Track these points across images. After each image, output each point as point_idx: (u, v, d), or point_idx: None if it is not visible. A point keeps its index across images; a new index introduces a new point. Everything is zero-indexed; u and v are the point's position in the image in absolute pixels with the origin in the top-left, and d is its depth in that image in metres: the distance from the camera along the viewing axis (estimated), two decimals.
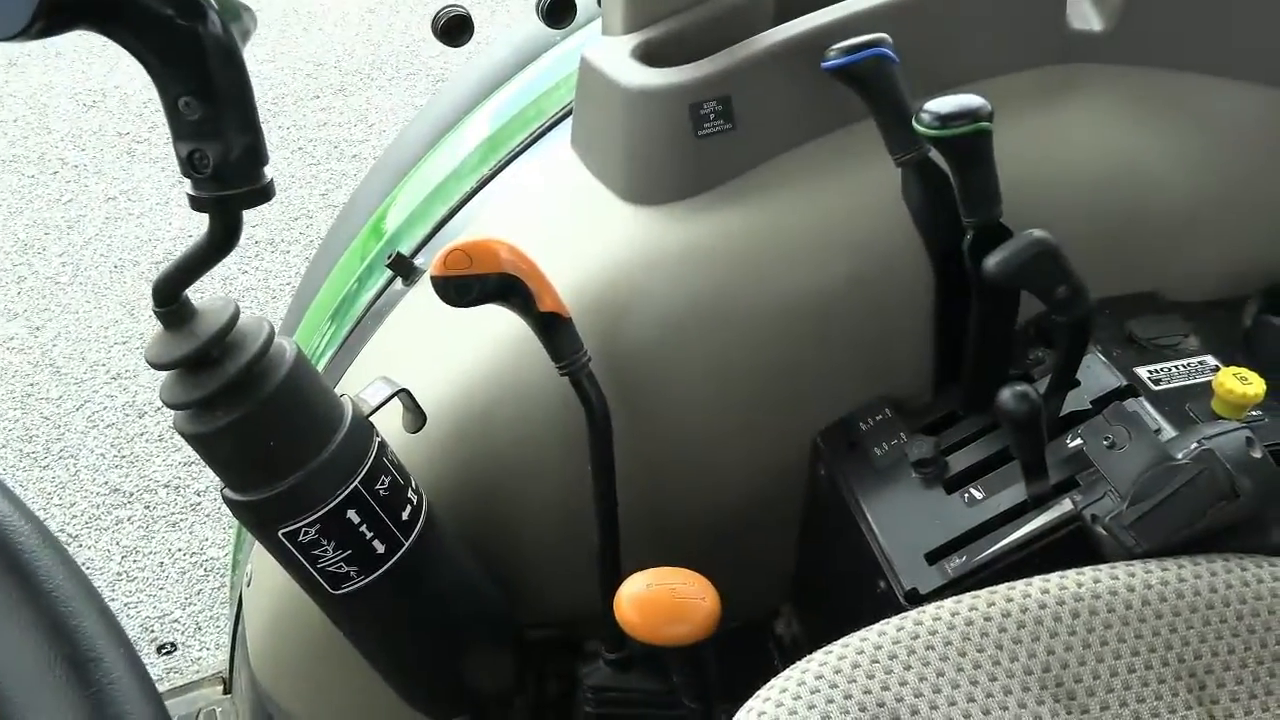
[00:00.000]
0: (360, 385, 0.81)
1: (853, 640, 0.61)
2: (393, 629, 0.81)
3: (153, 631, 1.81)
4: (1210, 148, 0.88)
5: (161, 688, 1.31)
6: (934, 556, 0.76)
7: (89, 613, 0.32)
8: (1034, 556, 0.73)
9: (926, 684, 0.58)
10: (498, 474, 0.87)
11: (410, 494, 0.78)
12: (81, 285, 2.58)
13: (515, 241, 0.76)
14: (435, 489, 0.83)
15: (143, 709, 0.30)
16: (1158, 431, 0.72)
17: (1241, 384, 0.72)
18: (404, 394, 0.83)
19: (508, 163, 1.07)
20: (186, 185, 0.62)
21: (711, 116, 0.84)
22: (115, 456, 2.12)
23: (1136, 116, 0.88)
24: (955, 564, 0.75)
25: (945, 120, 0.73)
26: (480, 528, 0.87)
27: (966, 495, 0.78)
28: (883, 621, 0.62)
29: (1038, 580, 0.63)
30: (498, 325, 0.83)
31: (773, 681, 0.60)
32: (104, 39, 0.57)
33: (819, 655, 0.60)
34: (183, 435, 0.70)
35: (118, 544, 1.96)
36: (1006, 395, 0.70)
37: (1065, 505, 0.73)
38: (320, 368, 1.03)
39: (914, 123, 0.75)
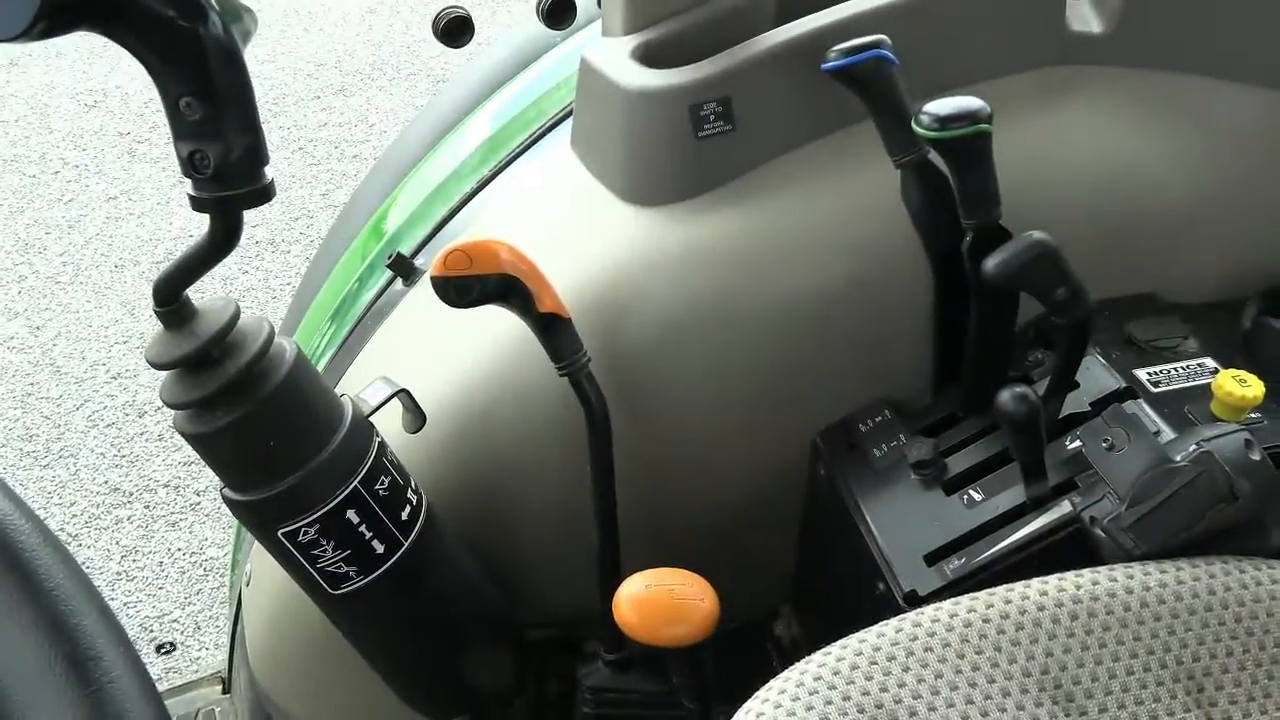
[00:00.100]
0: (360, 385, 0.81)
1: (851, 641, 0.61)
2: (392, 629, 0.81)
3: (152, 631, 1.81)
4: (1209, 150, 0.88)
5: (160, 687, 1.31)
6: (933, 558, 0.76)
7: (89, 611, 0.32)
8: (1033, 558, 0.73)
9: (925, 685, 0.58)
10: (497, 474, 0.87)
11: (410, 494, 0.78)
12: (82, 285, 2.58)
13: (515, 242, 0.76)
14: (435, 489, 0.83)
15: (142, 708, 0.30)
16: (1157, 433, 0.72)
17: (1240, 386, 0.72)
18: (404, 394, 0.83)
19: (508, 163, 1.07)
20: (187, 185, 0.62)
21: (711, 118, 0.84)
22: (115, 456, 2.13)
23: (1136, 118, 0.89)
24: (954, 565, 0.75)
25: (944, 122, 0.73)
26: (480, 528, 0.87)
27: (966, 497, 0.78)
28: (881, 623, 0.62)
29: (1036, 582, 0.63)
30: (497, 326, 0.83)
31: (771, 682, 0.60)
32: (105, 40, 0.58)
33: (817, 656, 0.60)
34: (183, 435, 0.70)
35: (117, 543, 1.96)
36: (1006, 397, 0.70)
37: (1064, 507, 0.73)
38: (320, 368, 1.03)
39: (913, 124, 0.75)
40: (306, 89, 3.37)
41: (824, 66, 0.81)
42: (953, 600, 0.63)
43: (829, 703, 0.58)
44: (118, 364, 2.34)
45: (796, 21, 0.86)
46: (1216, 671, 0.61)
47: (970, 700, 0.58)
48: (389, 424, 0.84)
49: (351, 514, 0.74)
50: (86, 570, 0.35)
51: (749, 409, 0.87)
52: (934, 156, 0.79)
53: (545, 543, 0.90)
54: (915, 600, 0.74)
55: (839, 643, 0.61)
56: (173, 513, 2.01)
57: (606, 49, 0.90)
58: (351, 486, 0.73)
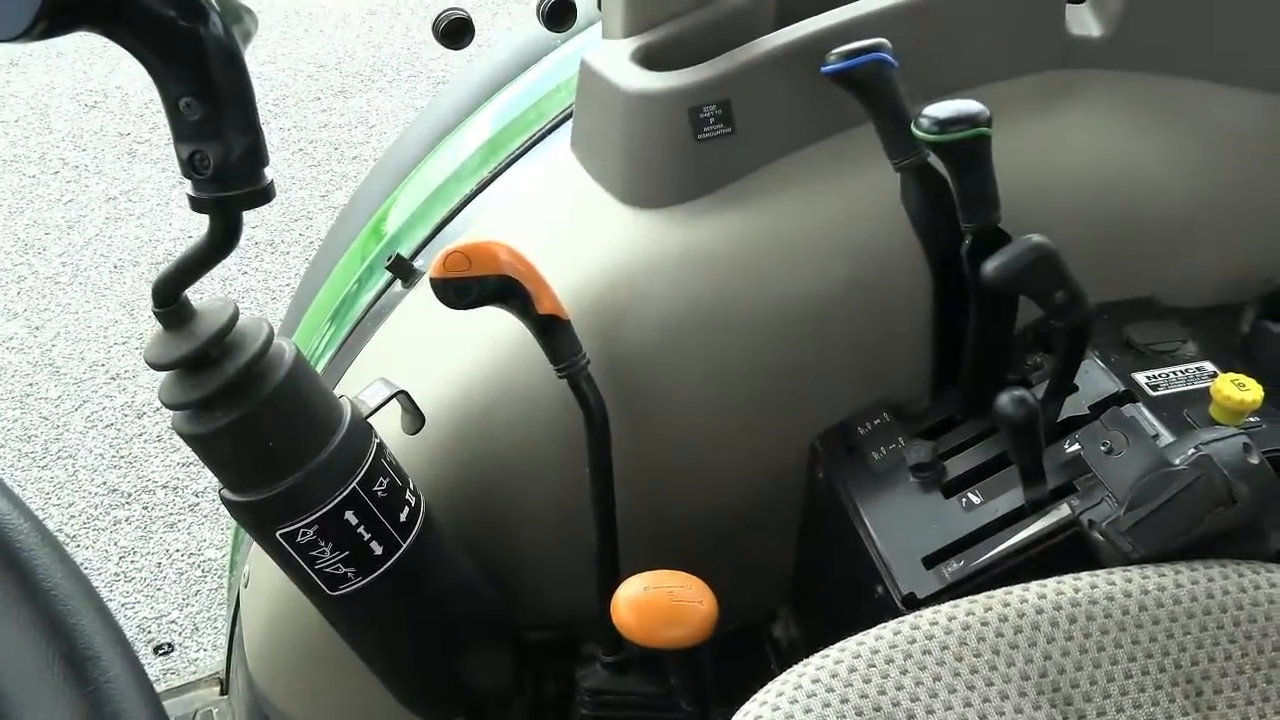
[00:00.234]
0: (359, 387, 0.81)
1: (849, 644, 0.61)
2: (390, 630, 0.81)
3: (150, 632, 1.81)
4: (1208, 154, 0.88)
5: (158, 688, 1.31)
6: (931, 561, 0.76)
7: (86, 611, 0.32)
8: (1031, 561, 0.73)
9: (923, 689, 0.58)
10: (496, 476, 0.87)
11: (408, 495, 0.78)
12: (81, 285, 2.58)
13: (515, 244, 0.76)
14: (433, 490, 0.83)
15: (139, 708, 0.30)
16: (1155, 437, 0.72)
17: (1239, 390, 0.72)
18: (403, 395, 0.83)
19: (508, 165, 1.07)
20: (187, 186, 0.62)
21: (711, 120, 0.84)
22: (114, 457, 2.12)
23: (1135, 122, 0.89)
24: (953, 569, 0.75)
25: (944, 125, 0.73)
26: (478, 529, 0.87)
27: (964, 500, 0.78)
28: (880, 626, 0.62)
29: (1035, 585, 0.63)
30: (496, 327, 0.83)
31: (769, 685, 0.60)
32: (105, 40, 0.58)
33: (815, 659, 0.60)
34: (181, 436, 0.70)
35: (115, 544, 1.96)
36: (1004, 400, 0.70)
37: (1063, 510, 0.73)
38: (319, 369, 1.03)
39: (913, 128, 0.75)
40: (307, 90, 3.37)
41: (824, 69, 0.81)
42: (951, 603, 0.62)
43: (827, 705, 0.57)
44: (117, 365, 2.34)
45: (796, 24, 0.87)
46: (1215, 675, 0.61)
47: (969, 703, 0.58)
48: (388, 425, 0.84)
49: (350, 515, 0.74)
50: (84, 571, 0.35)
51: (748, 411, 0.87)
52: (933, 159, 0.79)
53: (544, 544, 0.90)
54: (914, 603, 0.74)
55: (837, 645, 0.61)
56: (171, 514, 2.01)
57: (606, 51, 0.90)
58: (350, 488, 0.73)
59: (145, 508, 2.02)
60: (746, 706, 0.59)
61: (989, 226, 0.77)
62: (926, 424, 0.87)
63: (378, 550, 0.75)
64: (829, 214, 0.85)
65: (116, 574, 1.91)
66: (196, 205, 0.62)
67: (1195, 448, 0.65)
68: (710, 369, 0.85)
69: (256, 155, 0.62)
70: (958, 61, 0.88)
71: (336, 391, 0.77)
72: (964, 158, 0.75)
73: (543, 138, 1.07)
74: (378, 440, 0.77)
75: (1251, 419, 0.74)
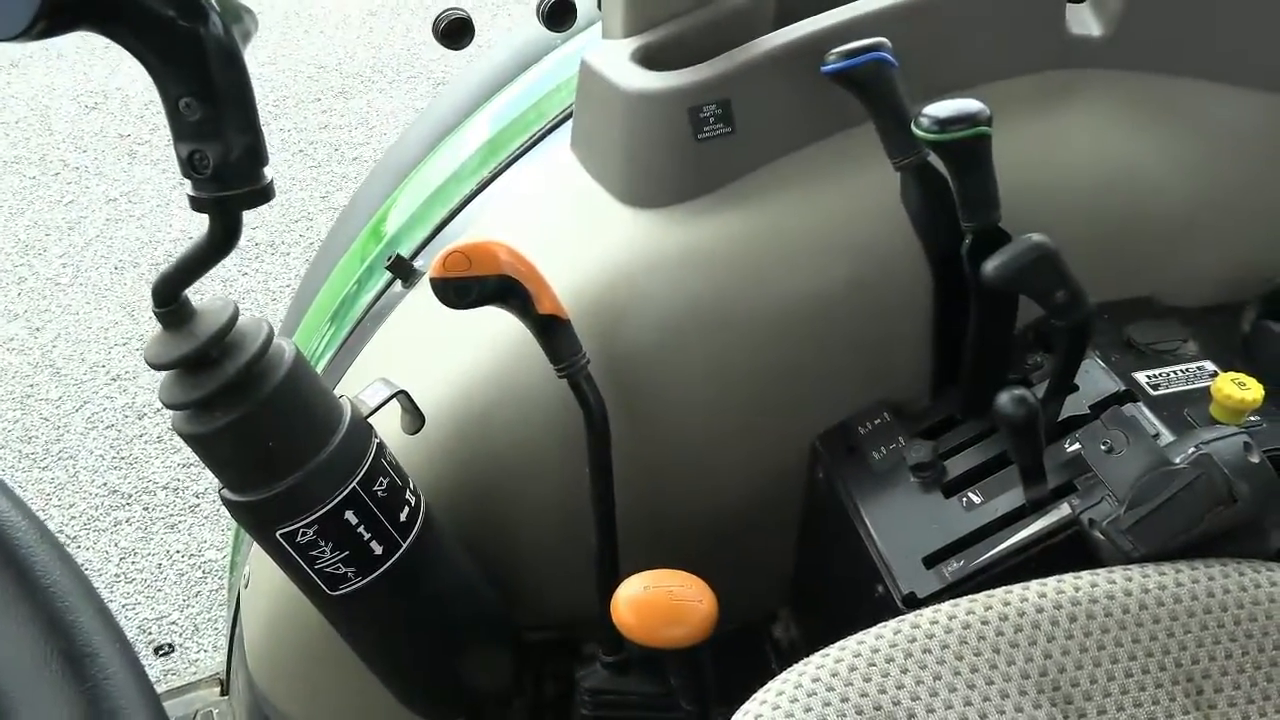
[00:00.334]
0: (359, 387, 0.81)
1: (849, 643, 0.61)
2: (390, 630, 0.81)
3: (150, 633, 1.81)
4: (1208, 153, 0.88)
5: (158, 689, 1.31)
6: (932, 560, 0.76)
7: (85, 608, 0.32)
8: (1032, 561, 0.73)
9: (924, 687, 0.58)
10: (496, 475, 0.87)
11: (408, 495, 0.78)
12: (82, 286, 2.58)
13: (514, 244, 0.76)
14: (433, 490, 0.83)
15: (137, 704, 0.30)
16: (1156, 436, 0.72)
17: (1240, 389, 0.72)
18: (402, 395, 0.83)
19: (508, 165, 1.07)
20: (187, 186, 0.62)
21: (711, 120, 0.84)
22: (114, 458, 2.12)
23: (1135, 121, 0.89)
24: (953, 568, 0.75)
25: (944, 124, 0.73)
26: (478, 529, 0.87)
27: (964, 499, 0.78)
28: (880, 625, 0.62)
29: (1035, 584, 0.63)
30: (496, 327, 0.83)
31: (769, 684, 0.60)
32: (105, 40, 0.58)
33: (815, 658, 0.60)
34: (181, 435, 0.70)
35: (116, 545, 1.96)
36: (1004, 399, 0.70)
37: (1063, 510, 0.73)
38: (319, 369, 1.03)
39: (913, 127, 0.75)
40: (307, 91, 3.37)
41: (824, 69, 0.81)
42: (951, 602, 0.62)
43: (827, 704, 0.57)
44: (117, 366, 2.34)
45: (796, 24, 0.87)
46: (1216, 674, 0.60)
47: (969, 702, 0.58)
48: (388, 425, 0.84)
49: (350, 515, 0.74)
50: (85, 572, 0.35)
51: (748, 411, 0.87)
52: (934, 159, 0.79)
53: (544, 544, 0.90)
54: (914, 603, 0.74)
55: (837, 644, 0.61)
56: (171, 515, 2.01)
57: (606, 51, 0.90)
58: (350, 487, 0.73)
59: (146, 509, 2.02)
60: (747, 706, 0.59)
61: (989, 226, 0.77)
62: (927, 424, 0.87)
63: (378, 550, 0.75)
64: (829, 213, 0.85)
65: (117, 575, 1.91)
66: (196, 205, 0.62)
67: (1196, 446, 0.65)
68: (710, 368, 0.85)
69: (256, 155, 0.62)
70: (958, 61, 0.88)
71: (336, 392, 0.77)
72: (964, 157, 0.75)
73: (543, 138, 1.07)
74: (378, 440, 0.77)
75: (1252, 418, 0.74)
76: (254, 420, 0.69)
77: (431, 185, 1.15)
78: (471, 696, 0.89)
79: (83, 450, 2.14)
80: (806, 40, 0.85)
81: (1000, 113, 0.75)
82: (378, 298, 1.05)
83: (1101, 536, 0.67)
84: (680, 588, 0.75)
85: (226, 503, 0.73)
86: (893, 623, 0.61)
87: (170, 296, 0.67)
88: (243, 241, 0.66)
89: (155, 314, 0.67)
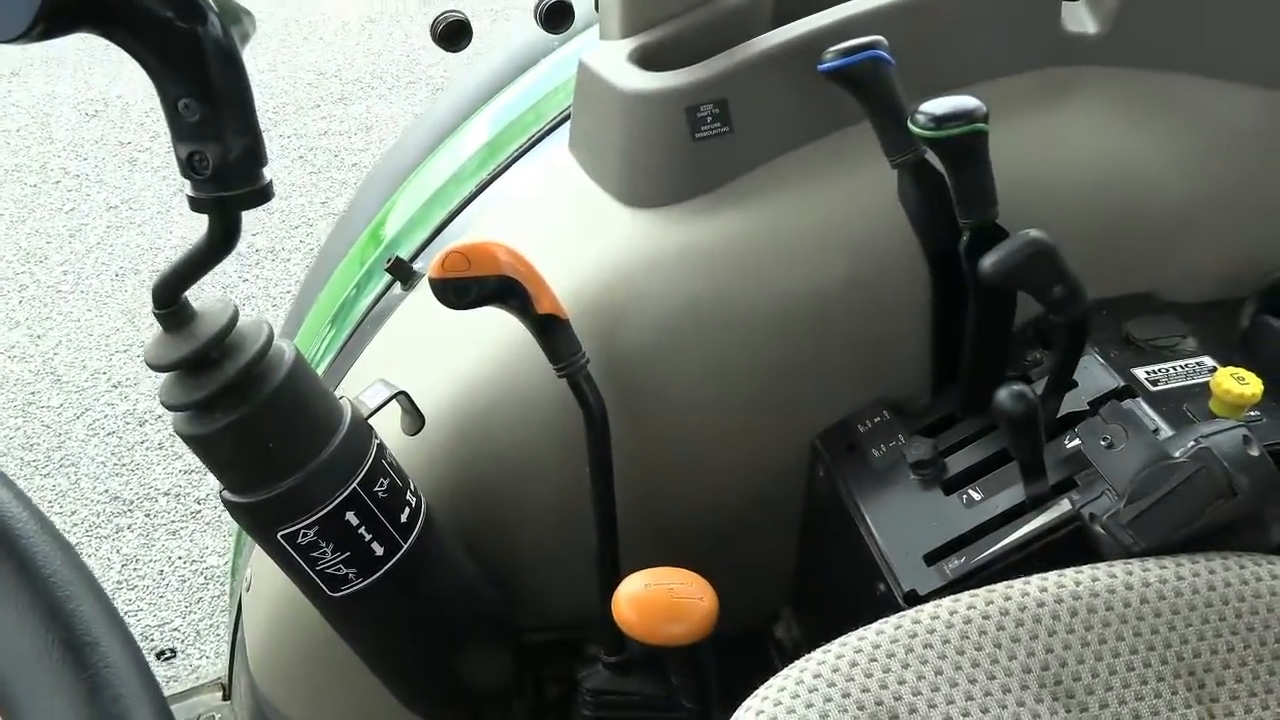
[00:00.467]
0: (359, 389, 0.81)
1: (851, 639, 0.61)
2: (391, 631, 0.81)
3: (152, 640, 1.81)
4: (1205, 149, 0.88)
5: None
6: (933, 558, 0.76)
7: (86, 598, 0.32)
8: (1033, 557, 0.73)
9: (925, 683, 0.58)
10: (496, 476, 0.87)
11: (409, 496, 0.78)
12: (83, 293, 2.58)
13: (514, 244, 0.77)
14: (434, 491, 0.83)
15: (138, 692, 0.30)
16: (1155, 431, 0.72)
17: (1239, 384, 0.72)
18: (402, 396, 0.83)
19: (506, 167, 1.07)
20: (186, 186, 0.62)
21: (708, 119, 0.84)
22: (116, 464, 2.13)
23: (1132, 118, 0.89)
24: (954, 565, 0.75)
25: (940, 121, 0.73)
26: (479, 530, 0.87)
27: (965, 496, 0.78)
28: (881, 620, 0.62)
29: (1036, 579, 0.63)
30: (496, 328, 0.83)
31: (771, 680, 0.60)
32: (106, 48, 0.58)
33: (817, 654, 0.60)
34: (182, 437, 0.70)
35: (118, 552, 1.96)
36: (1003, 395, 0.70)
37: (1064, 505, 0.73)
38: (320, 373, 1.03)
39: (910, 124, 0.75)
40: (307, 97, 3.37)
41: (820, 67, 0.81)
42: (952, 597, 0.62)
43: (829, 700, 0.57)
44: (118, 372, 2.34)
45: (793, 23, 0.87)
46: (1217, 667, 0.60)
47: (970, 697, 0.58)
48: (388, 426, 0.84)
49: (351, 516, 0.74)
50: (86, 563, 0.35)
51: (747, 410, 0.87)
52: (931, 156, 0.79)
53: (544, 545, 0.90)
54: (915, 600, 0.74)
55: (838, 640, 0.61)
56: (173, 521, 2.01)
57: (604, 52, 0.90)
58: (350, 488, 0.73)
59: (147, 515, 2.02)
60: (748, 702, 0.59)
61: (986, 222, 0.77)
62: (926, 421, 0.87)
63: (379, 551, 0.75)
64: (827, 212, 0.85)
65: (119, 582, 1.91)
66: (195, 205, 0.63)
67: (1195, 440, 0.65)
68: (709, 368, 0.85)
69: (255, 155, 0.62)
70: (954, 59, 0.88)
71: (337, 393, 0.77)
72: (961, 154, 0.75)
73: (541, 139, 1.07)
74: (378, 441, 0.77)
75: (1252, 413, 0.74)
76: (254, 421, 0.69)
77: (430, 188, 1.15)
78: (472, 697, 0.89)
79: (84, 457, 2.14)
80: (803, 39, 0.85)
81: (997, 110, 0.75)
82: (377, 300, 1.05)
83: (1102, 531, 0.67)
84: (681, 585, 0.75)
85: (227, 504, 0.73)
86: (893, 618, 0.61)
87: (170, 298, 0.67)
88: (243, 248, 0.66)
89: (155, 315, 0.67)
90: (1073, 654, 0.60)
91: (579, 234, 0.89)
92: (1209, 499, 0.63)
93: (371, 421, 0.77)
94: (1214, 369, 0.79)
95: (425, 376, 0.87)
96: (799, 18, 0.87)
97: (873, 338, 0.87)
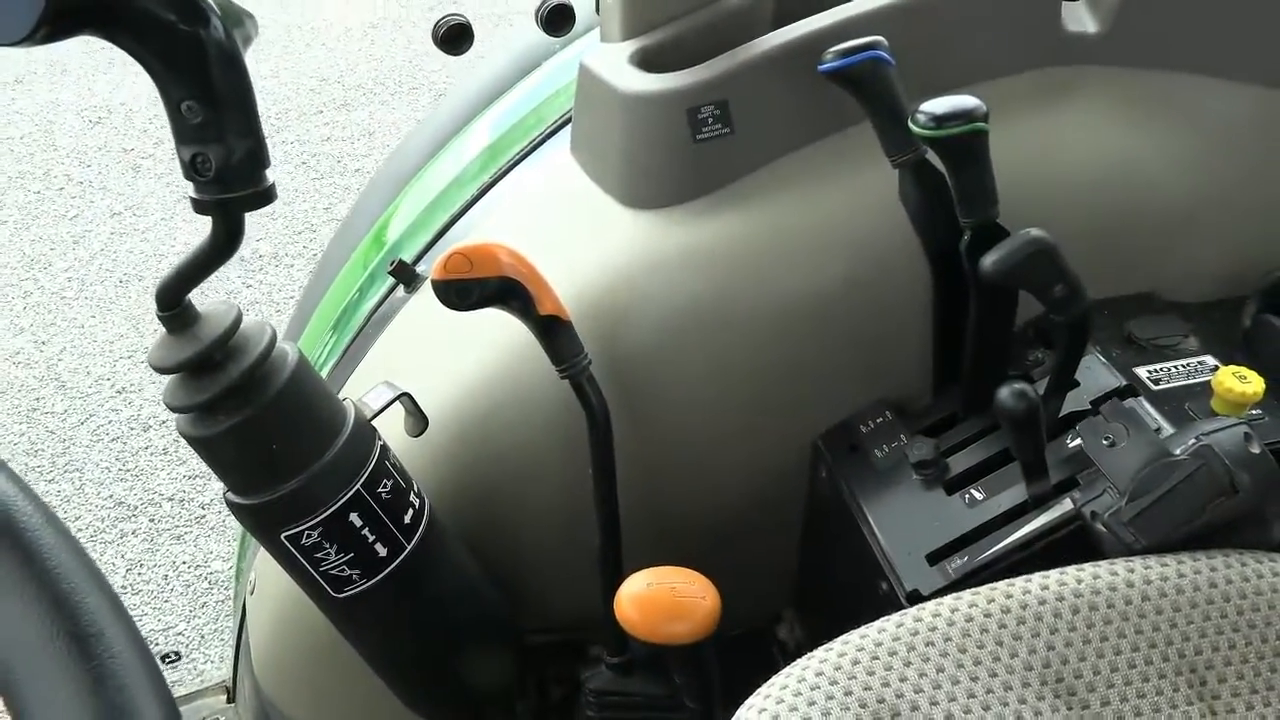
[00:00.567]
0: (363, 391, 0.82)
1: (853, 637, 0.61)
2: (394, 632, 0.81)
3: (157, 644, 1.81)
4: (1205, 148, 0.88)
5: None
6: (935, 557, 0.76)
7: (91, 590, 0.32)
8: (1035, 556, 0.73)
9: (927, 680, 0.58)
10: (499, 477, 0.87)
11: (412, 497, 0.78)
12: (87, 300, 2.59)
13: (515, 246, 0.77)
14: (437, 492, 0.84)
15: (142, 682, 0.30)
16: (1157, 430, 0.72)
17: (1240, 383, 0.72)
18: (406, 398, 0.83)
19: (508, 170, 1.07)
20: (189, 188, 0.63)
21: (709, 121, 0.84)
22: (120, 470, 2.13)
23: (1132, 118, 0.89)
24: (956, 565, 0.75)
25: (940, 121, 0.73)
26: (482, 531, 0.87)
27: (967, 496, 0.78)
28: (883, 619, 0.62)
29: (1037, 577, 0.63)
30: (498, 329, 0.83)
31: (773, 679, 0.60)
32: (110, 58, 0.58)
33: (819, 652, 0.61)
34: (186, 438, 0.70)
35: (122, 557, 1.96)
36: (1005, 394, 0.70)
37: (1066, 505, 0.73)
38: (323, 376, 1.03)
39: (910, 124, 0.75)
40: (309, 103, 3.38)
41: (820, 68, 0.81)
42: (953, 595, 0.63)
43: (830, 698, 0.58)
44: (122, 378, 2.35)
45: (793, 25, 0.87)
46: (1219, 664, 0.60)
47: (972, 694, 0.58)
48: (391, 428, 0.84)
49: (354, 517, 0.74)
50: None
51: (749, 410, 0.87)
52: (931, 156, 0.79)
53: (547, 545, 0.91)
54: (918, 600, 0.74)
55: (840, 638, 0.61)
56: (177, 526, 2.02)
57: (605, 54, 0.90)
58: (354, 489, 0.73)
59: (152, 520, 2.03)
60: (750, 700, 0.59)
61: (987, 221, 0.77)
62: (928, 421, 0.87)
63: (382, 552, 0.76)
64: (828, 212, 0.85)
65: (123, 586, 1.91)
66: (198, 207, 0.63)
67: (1196, 438, 0.65)
68: (711, 368, 0.85)
69: (257, 157, 0.62)
70: (954, 59, 0.88)
71: (340, 395, 0.77)
72: (961, 153, 0.75)
73: (543, 142, 1.07)
74: (381, 443, 0.77)
75: (1254, 411, 0.74)
76: (258, 423, 0.69)
77: (433, 191, 1.15)
78: (476, 698, 0.89)
79: (89, 463, 2.15)
80: (804, 40, 0.85)
81: (997, 110, 0.75)
82: (380, 303, 1.06)
83: (1103, 529, 0.67)
84: (683, 584, 0.75)
85: (231, 506, 0.73)
86: (895, 616, 0.62)
87: (174, 301, 0.67)
88: (246, 253, 0.66)
89: (159, 318, 0.68)
90: (1074, 651, 0.60)
91: (581, 235, 0.89)
92: (1210, 496, 0.63)
93: (375, 423, 0.78)
94: (1216, 368, 0.79)
95: (428, 378, 0.88)
96: (799, 19, 0.87)
97: (874, 338, 0.87)
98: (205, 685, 1.29)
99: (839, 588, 0.91)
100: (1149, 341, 0.83)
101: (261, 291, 2.57)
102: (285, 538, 0.73)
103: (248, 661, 1.01)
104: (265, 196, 0.64)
